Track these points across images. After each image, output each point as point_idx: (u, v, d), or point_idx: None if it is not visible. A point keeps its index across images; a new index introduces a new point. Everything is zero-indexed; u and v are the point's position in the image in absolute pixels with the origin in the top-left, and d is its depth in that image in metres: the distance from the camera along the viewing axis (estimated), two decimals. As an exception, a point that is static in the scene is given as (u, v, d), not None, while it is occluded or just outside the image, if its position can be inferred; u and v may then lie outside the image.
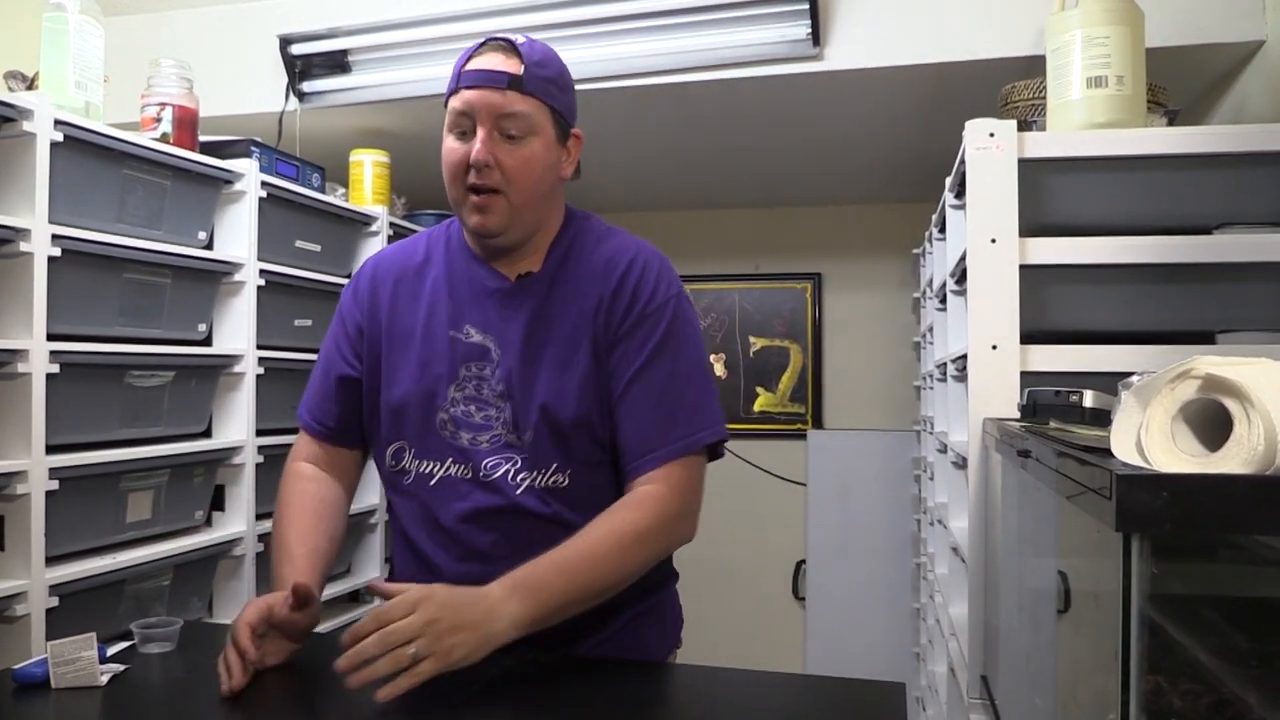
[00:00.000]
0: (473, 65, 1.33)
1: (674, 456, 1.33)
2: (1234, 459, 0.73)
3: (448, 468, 1.41)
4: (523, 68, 1.32)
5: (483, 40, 1.36)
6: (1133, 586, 0.74)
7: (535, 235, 1.40)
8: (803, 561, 4.23)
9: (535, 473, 1.36)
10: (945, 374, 2.34)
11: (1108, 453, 0.82)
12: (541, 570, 1.22)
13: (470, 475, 1.38)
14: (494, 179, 1.32)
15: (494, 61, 1.32)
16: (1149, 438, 0.78)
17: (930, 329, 2.88)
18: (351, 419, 1.49)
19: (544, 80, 1.34)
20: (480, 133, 1.31)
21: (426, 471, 1.42)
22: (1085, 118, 1.76)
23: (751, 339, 4.40)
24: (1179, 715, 0.85)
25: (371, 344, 1.45)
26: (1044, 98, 1.88)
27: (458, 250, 1.45)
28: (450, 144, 1.35)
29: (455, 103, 1.33)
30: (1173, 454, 0.77)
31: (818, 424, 4.31)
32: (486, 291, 1.40)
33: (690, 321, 1.41)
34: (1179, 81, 2.21)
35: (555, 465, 1.36)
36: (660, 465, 1.33)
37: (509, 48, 1.34)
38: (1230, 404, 0.74)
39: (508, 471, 1.36)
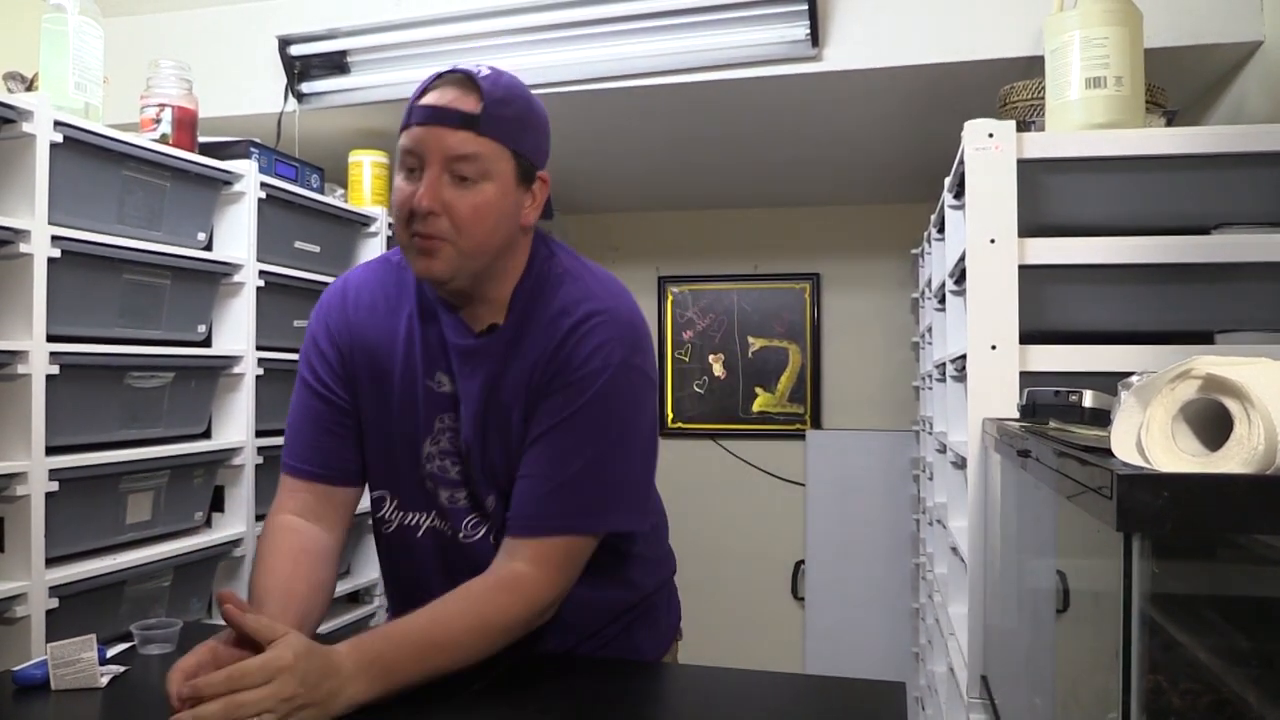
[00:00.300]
0: (427, 99, 1.21)
1: (555, 534, 1.23)
2: (1234, 459, 0.73)
3: (432, 520, 1.35)
4: (481, 105, 1.20)
5: (441, 71, 1.24)
6: (1134, 586, 0.74)
7: (493, 284, 1.29)
8: (802, 562, 4.24)
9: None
10: (944, 374, 2.35)
11: (1108, 452, 0.82)
12: (398, 650, 1.12)
13: (451, 534, 1.34)
14: (439, 227, 1.20)
15: (449, 97, 1.20)
16: (1149, 437, 0.78)
17: (929, 329, 2.88)
18: (345, 453, 1.37)
19: (505, 120, 1.22)
20: (427, 175, 1.20)
21: (412, 524, 1.36)
22: (1084, 118, 1.76)
23: (750, 339, 4.40)
24: (1178, 714, 0.86)
25: (352, 371, 1.35)
26: (1043, 98, 1.89)
27: (429, 289, 1.33)
28: (399, 183, 1.23)
29: (405, 140, 1.22)
30: (1173, 454, 0.77)
31: (816, 424, 4.31)
32: (453, 345, 1.30)
33: (626, 396, 1.26)
34: (1177, 82, 2.21)
35: None
36: (539, 538, 1.23)
37: (468, 82, 1.22)
38: (1230, 404, 0.74)
39: (486, 535, 1.32)
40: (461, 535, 1.32)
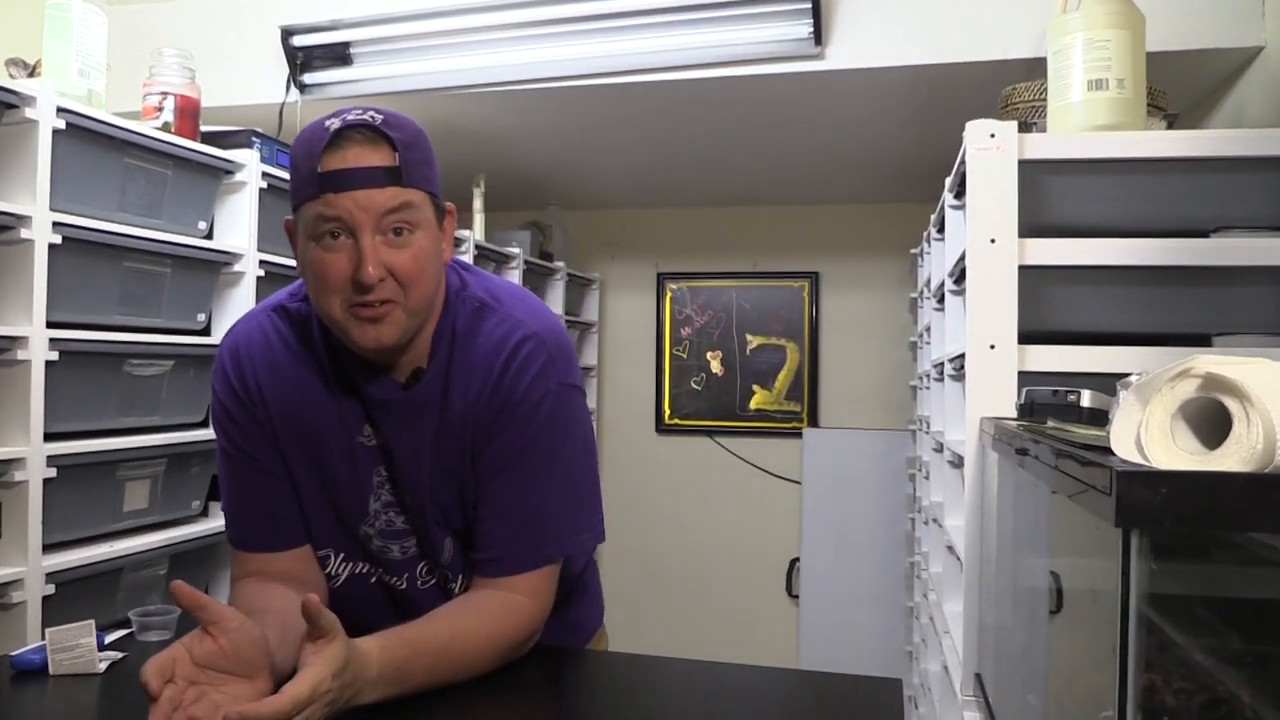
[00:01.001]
0: (333, 164, 1.12)
1: (535, 567, 1.23)
2: (1233, 457, 0.73)
3: (380, 574, 1.33)
4: (396, 155, 1.13)
5: (331, 127, 1.14)
6: (1131, 583, 0.74)
7: (420, 332, 1.24)
8: (797, 559, 4.24)
9: (466, 578, 1.30)
10: (942, 374, 2.35)
11: (1107, 450, 0.82)
12: (419, 660, 1.11)
13: (405, 585, 1.32)
14: (388, 292, 1.14)
15: (361, 156, 1.12)
16: (1148, 435, 0.79)
17: (927, 329, 2.89)
18: (285, 515, 1.30)
19: (419, 165, 1.16)
20: (363, 243, 1.12)
21: (362, 572, 1.33)
22: (1085, 120, 1.76)
23: (748, 337, 4.41)
24: (1172, 713, 0.86)
25: (272, 435, 1.28)
26: (1044, 100, 1.89)
27: (327, 343, 1.27)
28: (317, 254, 1.14)
29: (319, 209, 1.13)
30: (1172, 452, 0.77)
31: (813, 422, 4.32)
32: (376, 400, 1.25)
33: (567, 417, 1.25)
34: (1179, 85, 2.22)
35: None
36: (524, 572, 1.23)
37: (372, 134, 1.13)
38: (1230, 403, 0.74)
39: (437, 584, 1.32)
40: (413, 585, 1.32)
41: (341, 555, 1.33)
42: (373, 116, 1.15)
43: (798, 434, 4.29)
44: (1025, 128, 1.87)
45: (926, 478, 2.77)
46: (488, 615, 1.20)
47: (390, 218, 1.13)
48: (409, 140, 1.16)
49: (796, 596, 4.23)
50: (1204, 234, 1.71)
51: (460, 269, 1.33)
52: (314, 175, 1.13)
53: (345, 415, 1.26)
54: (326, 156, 1.12)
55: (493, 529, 1.25)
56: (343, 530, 1.31)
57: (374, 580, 1.34)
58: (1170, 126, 1.96)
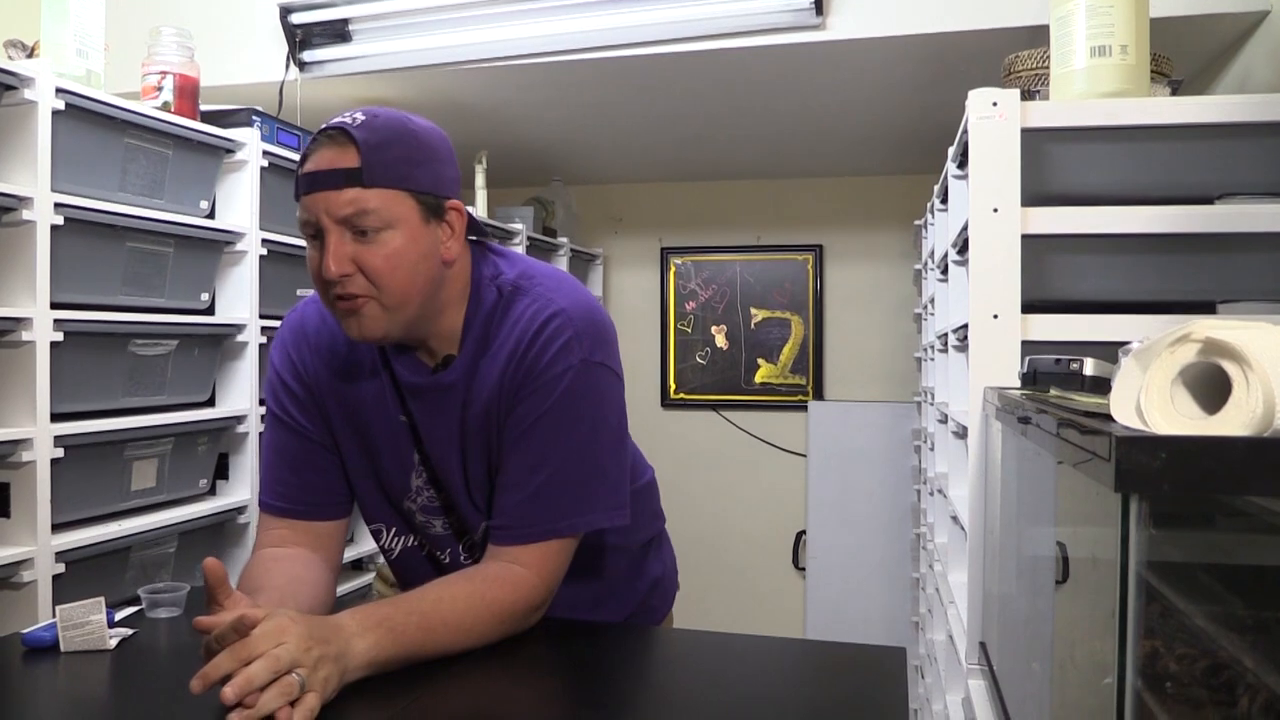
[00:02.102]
0: (308, 167, 1.18)
1: (538, 540, 1.24)
2: (1232, 421, 0.73)
3: (429, 548, 1.39)
4: (359, 158, 1.16)
5: (319, 132, 1.20)
6: (1130, 548, 0.74)
7: (435, 322, 1.28)
8: (803, 532, 4.26)
9: None
10: (946, 344, 2.35)
11: (1108, 417, 0.82)
12: (405, 617, 1.11)
13: (448, 560, 1.37)
14: (357, 285, 1.18)
15: (326, 159, 1.17)
16: (1148, 401, 0.78)
17: (931, 300, 2.88)
18: (321, 487, 1.36)
19: (388, 165, 1.17)
20: (329, 240, 1.17)
21: (414, 545, 1.39)
22: (1089, 87, 1.75)
23: (753, 310, 4.40)
24: (1175, 679, 0.87)
25: (323, 409, 1.35)
26: (1047, 67, 1.88)
27: None
28: (309, 253, 1.22)
29: (299, 211, 1.21)
30: (1172, 417, 0.77)
31: (818, 395, 4.32)
32: (406, 383, 1.30)
33: (589, 395, 1.26)
34: (1183, 52, 2.20)
35: None
36: (531, 543, 1.24)
37: (342, 137, 1.17)
38: (1229, 367, 0.74)
39: (481, 558, 1.33)
40: (456, 560, 1.36)
41: (393, 530, 1.40)
42: (352, 119, 1.18)
43: (803, 407, 4.29)
44: (1028, 96, 1.86)
45: (931, 449, 2.78)
46: (481, 581, 1.21)
47: (353, 220, 1.17)
48: (382, 141, 1.18)
49: (803, 569, 4.24)
50: (1208, 201, 1.70)
51: (496, 255, 1.35)
52: (296, 179, 1.21)
53: (385, 395, 1.32)
54: (307, 160, 1.19)
55: (503, 498, 1.26)
56: (391, 505, 1.37)
57: (424, 554, 1.40)
58: (1175, 93, 1.94)
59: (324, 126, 1.19)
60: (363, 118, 1.18)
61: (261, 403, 2.41)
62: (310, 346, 1.35)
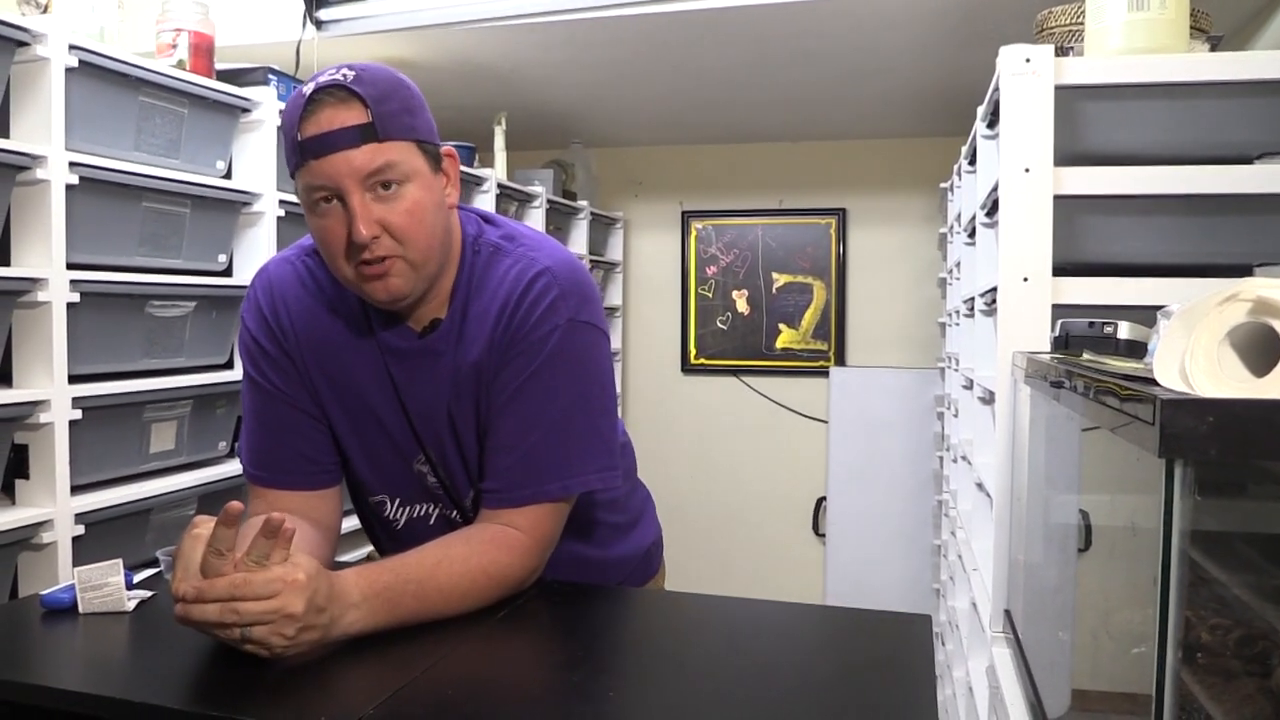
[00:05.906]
0: (310, 131, 1.13)
1: (528, 503, 1.22)
2: (1283, 385, 0.70)
3: (440, 511, 1.36)
4: (368, 112, 1.12)
5: (306, 93, 1.15)
6: (1174, 516, 0.71)
7: (440, 282, 1.25)
8: (824, 498, 4.24)
9: None
10: (973, 309, 2.31)
11: (1150, 380, 0.79)
12: (404, 586, 1.11)
13: (461, 518, 1.34)
14: (386, 247, 1.15)
15: (333, 119, 1.12)
16: (1193, 363, 0.75)
17: (957, 264, 2.84)
18: (307, 451, 1.32)
19: (395, 115, 1.15)
20: (352, 203, 1.13)
21: (421, 514, 1.36)
22: (1125, 43, 1.70)
23: (775, 275, 4.36)
24: (1207, 649, 0.84)
25: (306, 376, 1.30)
26: (1082, 23, 1.82)
27: (350, 294, 1.27)
28: (318, 223, 1.17)
29: (306, 178, 1.15)
30: (1218, 379, 0.74)
31: (840, 361, 4.29)
32: (394, 349, 1.27)
33: (577, 354, 1.24)
34: (1222, 6, 2.13)
35: None
36: (515, 508, 1.23)
37: (343, 94, 1.13)
38: (1281, 327, 0.71)
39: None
40: (472, 516, 1.33)
41: (398, 500, 1.36)
42: (344, 75, 1.14)
43: (825, 373, 4.26)
44: (1062, 52, 1.81)
45: (955, 415, 2.74)
46: (477, 544, 1.20)
47: (375, 177, 1.14)
48: (383, 94, 1.15)
49: (823, 535, 4.23)
50: (1247, 161, 1.65)
51: (480, 217, 1.33)
52: (295, 144, 1.15)
53: (374, 358, 1.28)
54: (304, 123, 1.13)
55: (493, 460, 1.25)
56: (395, 472, 1.34)
57: (433, 521, 1.36)
58: (1214, 49, 1.88)
59: (315, 87, 1.14)
60: (353, 73, 1.14)
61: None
62: (289, 312, 1.31)
